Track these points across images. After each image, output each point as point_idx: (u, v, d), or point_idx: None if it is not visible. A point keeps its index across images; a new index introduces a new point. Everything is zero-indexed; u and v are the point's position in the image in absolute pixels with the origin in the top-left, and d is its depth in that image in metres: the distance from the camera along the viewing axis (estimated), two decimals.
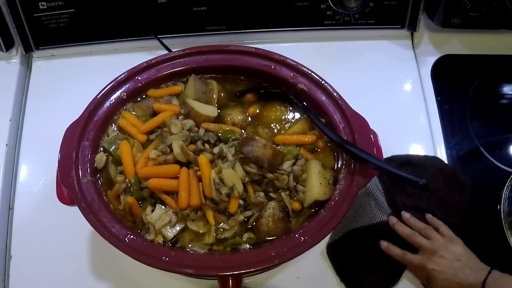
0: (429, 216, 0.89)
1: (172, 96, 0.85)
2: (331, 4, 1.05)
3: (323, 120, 0.82)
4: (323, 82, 0.83)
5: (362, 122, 0.80)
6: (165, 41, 1.05)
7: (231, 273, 0.69)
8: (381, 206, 0.92)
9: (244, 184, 0.73)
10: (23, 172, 0.98)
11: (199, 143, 0.77)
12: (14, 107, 1.03)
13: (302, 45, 1.12)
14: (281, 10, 1.06)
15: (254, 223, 0.75)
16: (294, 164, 0.77)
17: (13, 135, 1.01)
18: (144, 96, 0.86)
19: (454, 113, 1.06)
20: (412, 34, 1.14)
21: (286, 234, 0.74)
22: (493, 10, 1.03)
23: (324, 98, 0.83)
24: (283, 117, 0.86)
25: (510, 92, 1.13)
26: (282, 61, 0.86)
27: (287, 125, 0.85)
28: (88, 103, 0.81)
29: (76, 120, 0.79)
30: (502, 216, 0.90)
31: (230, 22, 1.07)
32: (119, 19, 1.03)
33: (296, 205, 0.76)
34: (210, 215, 0.74)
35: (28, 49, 1.07)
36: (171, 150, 0.76)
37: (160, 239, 0.73)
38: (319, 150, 0.83)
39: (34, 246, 0.91)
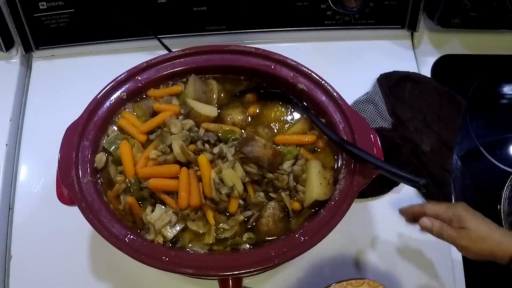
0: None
1: (172, 96, 0.85)
2: (331, 4, 1.05)
3: (323, 120, 0.82)
4: (323, 82, 0.83)
5: (362, 122, 0.80)
6: (165, 41, 1.05)
7: (231, 273, 0.69)
8: (381, 113, 0.96)
9: (244, 184, 0.73)
10: (23, 172, 0.97)
11: (199, 143, 0.77)
12: (14, 107, 1.03)
13: (302, 45, 1.12)
14: (281, 10, 1.06)
15: (254, 223, 0.75)
16: (294, 164, 0.77)
17: (13, 135, 1.01)
18: (144, 96, 0.86)
19: None
20: (412, 34, 1.14)
21: (286, 234, 0.74)
22: (493, 10, 1.03)
23: (324, 98, 0.83)
24: (283, 117, 0.86)
25: (510, 92, 1.13)
26: (282, 61, 0.86)
27: (287, 125, 0.85)
28: (88, 103, 0.81)
29: (76, 120, 0.79)
30: (502, 216, 0.90)
31: (230, 22, 1.07)
32: (119, 19, 1.03)
33: (296, 205, 0.76)
34: (210, 215, 0.74)
35: (28, 49, 1.07)
36: (171, 150, 0.76)
37: (160, 239, 0.73)
38: (319, 150, 0.83)
39: (34, 246, 0.91)
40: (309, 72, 0.84)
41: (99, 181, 0.78)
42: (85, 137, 0.78)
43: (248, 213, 0.75)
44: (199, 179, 0.74)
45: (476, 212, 0.77)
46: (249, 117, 0.85)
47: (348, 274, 0.88)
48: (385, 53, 1.12)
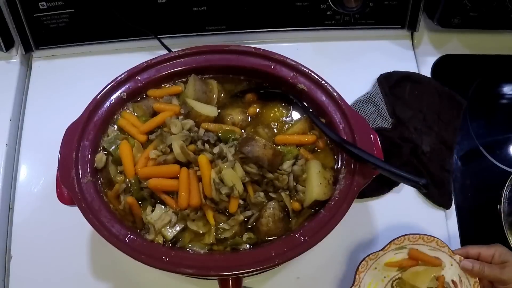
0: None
1: (172, 96, 0.85)
2: (331, 4, 1.05)
3: (323, 120, 0.82)
4: (323, 82, 0.83)
5: (362, 122, 0.80)
6: (165, 41, 1.05)
7: (231, 273, 0.69)
8: (381, 113, 0.96)
9: (244, 184, 0.73)
10: (23, 172, 0.98)
11: (199, 143, 0.77)
12: (14, 107, 1.03)
13: (302, 45, 1.12)
14: (281, 10, 1.06)
15: (254, 223, 0.75)
16: (294, 164, 0.77)
17: (13, 135, 1.01)
18: (144, 96, 0.86)
19: None
20: (412, 34, 1.14)
21: (286, 234, 0.74)
22: (493, 10, 1.03)
23: (324, 98, 0.83)
24: (283, 117, 0.86)
25: (510, 92, 1.13)
26: (282, 61, 0.86)
27: (287, 125, 0.85)
28: (88, 103, 0.81)
29: (76, 120, 0.79)
30: (502, 216, 0.90)
31: (230, 22, 1.07)
32: (119, 19, 1.03)
33: (296, 205, 0.76)
34: (210, 215, 0.74)
35: (28, 49, 1.07)
36: (171, 150, 0.76)
37: (160, 239, 0.73)
38: (319, 150, 0.83)
39: (34, 246, 0.91)
40: (309, 72, 0.84)
41: (99, 181, 0.77)
42: (85, 137, 0.78)
43: (248, 213, 0.75)
44: (199, 179, 0.74)
45: None
46: (249, 117, 0.85)
47: (348, 274, 0.89)
48: (385, 53, 1.12)
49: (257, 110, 0.86)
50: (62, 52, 1.10)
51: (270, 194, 0.76)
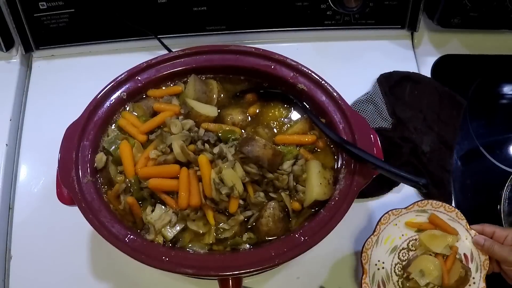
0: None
1: (172, 96, 0.85)
2: (331, 4, 1.05)
3: (323, 120, 0.82)
4: (323, 82, 0.83)
5: (362, 122, 0.80)
6: (165, 41, 1.05)
7: (231, 273, 0.69)
8: (381, 113, 0.97)
9: (244, 184, 0.73)
10: (23, 172, 0.98)
11: (199, 143, 0.77)
12: (14, 107, 1.03)
13: (302, 45, 1.12)
14: (281, 10, 1.06)
15: (254, 223, 0.75)
16: (294, 164, 0.77)
17: (13, 135, 1.01)
18: (144, 96, 0.86)
19: None
20: (412, 34, 1.14)
21: (286, 234, 0.74)
22: (493, 10, 1.03)
23: (324, 98, 0.83)
24: (283, 117, 0.86)
25: (510, 92, 1.13)
26: (282, 61, 0.86)
27: (287, 125, 0.85)
28: (88, 103, 0.81)
29: (76, 120, 0.79)
30: (502, 216, 0.90)
31: (230, 22, 1.07)
32: (119, 19, 1.03)
33: (296, 205, 0.76)
34: (210, 215, 0.74)
35: (28, 49, 1.07)
36: (171, 150, 0.76)
37: (160, 239, 0.73)
38: (319, 150, 0.83)
39: (34, 246, 0.91)
40: (309, 72, 0.84)
41: (99, 181, 0.78)
42: (85, 137, 0.78)
43: (248, 213, 0.75)
44: (199, 179, 0.74)
45: None
46: (249, 117, 0.85)
47: (348, 274, 0.88)
48: (385, 53, 1.12)
49: (257, 110, 0.86)
50: (62, 52, 1.10)
51: (270, 194, 0.76)
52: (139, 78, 0.85)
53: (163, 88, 0.87)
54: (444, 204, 0.86)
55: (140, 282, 0.88)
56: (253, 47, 0.87)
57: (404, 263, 0.85)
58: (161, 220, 0.73)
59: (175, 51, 0.87)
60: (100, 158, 0.78)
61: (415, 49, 1.13)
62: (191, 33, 1.08)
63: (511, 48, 1.14)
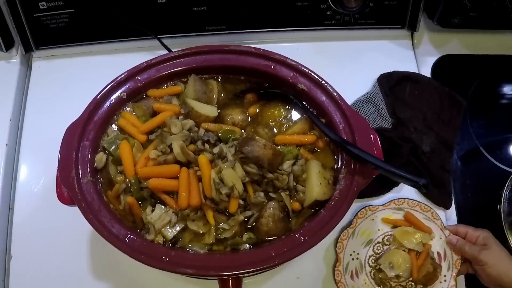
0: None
1: (172, 96, 0.85)
2: (331, 4, 1.05)
3: (323, 120, 0.82)
4: (323, 82, 0.83)
5: (362, 122, 0.80)
6: (165, 41, 1.05)
7: (231, 273, 0.69)
8: (381, 113, 0.97)
9: (244, 184, 0.73)
10: (23, 172, 0.98)
11: (199, 143, 0.77)
12: (14, 107, 1.03)
13: (302, 45, 1.12)
14: (281, 10, 1.06)
15: (254, 223, 0.75)
16: (294, 164, 0.77)
17: (13, 135, 1.01)
18: (144, 96, 0.86)
19: None
20: (412, 34, 1.14)
21: (286, 234, 0.74)
22: (493, 10, 1.03)
23: (324, 98, 0.83)
24: (283, 117, 0.86)
25: (510, 92, 1.13)
26: (282, 61, 0.86)
27: (287, 125, 0.85)
28: (88, 103, 0.81)
29: (76, 120, 0.79)
30: (502, 216, 0.90)
31: (230, 22, 1.07)
32: (119, 19, 1.03)
33: (296, 205, 0.76)
34: (210, 215, 0.74)
35: (28, 49, 1.07)
36: (171, 150, 0.76)
37: (160, 239, 0.73)
38: (319, 150, 0.83)
39: (34, 246, 0.91)
40: (309, 72, 0.84)
41: (99, 181, 0.78)
42: (85, 137, 0.78)
43: (248, 213, 0.75)
44: (199, 179, 0.74)
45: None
46: (249, 117, 0.85)
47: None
48: (385, 53, 1.12)
49: (257, 110, 0.86)
50: (62, 52, 1.10)
51: (270, 194, 0.76)
52: (139, 78, 0.85)
53: (163, 88, 0.87)
54: (420, 203, 0.91)
55: (140, 282, 0.88)
56: (253, 47, 0.87)
57: (377, 256, 0.89)
58: (161, 220, 0.73)
59: (175, 51, 0.87)
60: (100, 158, 0.78)
61: (415, 49, 1.13)
62: (191, 33, 1.08)
63: (511, 48, 1.14)
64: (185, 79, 0.87)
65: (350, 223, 0.90)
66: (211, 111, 0.83)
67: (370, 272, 0.89)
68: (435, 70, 1.10)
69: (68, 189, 0.73)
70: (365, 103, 1.02)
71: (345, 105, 0.81)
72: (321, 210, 0.74)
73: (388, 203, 0.91)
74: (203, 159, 0.74)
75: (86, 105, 0.80)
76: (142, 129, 0.80)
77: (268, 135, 0.83)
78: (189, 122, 0.80)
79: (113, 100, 0.83)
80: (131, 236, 0.70)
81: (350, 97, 1.01)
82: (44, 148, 0.94)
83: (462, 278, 0.90)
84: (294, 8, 1.06)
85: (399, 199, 0.91)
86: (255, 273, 0.83)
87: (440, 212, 0.94)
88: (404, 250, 0.88)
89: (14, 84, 1.06)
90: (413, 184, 0.72)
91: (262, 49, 0.86)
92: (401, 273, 0.86)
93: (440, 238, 0.90)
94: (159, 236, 0.74)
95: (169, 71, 0.86)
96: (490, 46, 1.13)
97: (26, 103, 1.05)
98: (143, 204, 0.76)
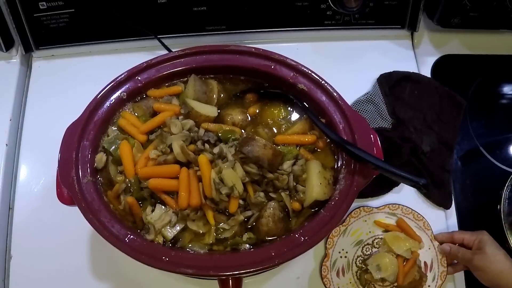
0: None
1: (172, 96, 0.85)
2: (331, 4, 1.05)
3: (323, 120, 0.82)
4: (323, 82, 0.83)
5: (362, 122, 0.80)
6: (165, 41, 1.05)
7: (231, 273, 0.69)
8: (381, 113, 0.97)
9: (244, 184, 0.73)
10: (23, 172, 0.98)
11: (199, 143, 0.77)
12: (14, 107, 1.03)
13: (302, 45, 1.12)
14: (281, 10, 1.06)
15: (254, 223, 0.75)
16: (294, 164, 0.77)
17: (13, 135, 1.01)
18: (144, 96, 0.86)
19: None
20: (412, 34, 1.14)
21: (286, 234, 0.74)
22: (493, 10, 1.03)
23: (324, 98, 0.83)
24: (283, 117, 0.86)
25: (510, 92, 1.13)
26: (282, 61, 0.86)
27: (287, 125, 0.85)
28: (88, 103, 0.81)
29: (76, 120, 0.79)
30: (502, 216, 0.90)
31: (230, 22, 1.07)
32: (119, 19, 1.03)
33: (296, 205, 0.76)
34: (210, 215, 0.74)
35: (28, 49, 1.07)
36: (171, 150, 0.76)
37: (160, 239, 0.73)
38: (319, 150, 0.83)
39: (34, 246, 0.91)
40: (309, 72, 0.84)
41: (99, 181, 0.78)
42: (85, 137, 0.78)
43: (248, 213, 0.75)
44: (199, 179, 0.74)
45: (496, 242, 0.84)
46: (249, 117, 0.85)
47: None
48: (385, 53, 1.12)
49: (257, 110, 0.86)
50: (62, 52, 1.10)
51: (270, 194, 0.76)
52: (139, 78, 0.85)
53: (163, 88, 0.87)
54: (414, 211, 0.92)
55: (140, 282, 0.88)
56: (253, 47, 0.87)
57: (365, 257, 0.90)
58: (161, 220, 0.73)
59: (175, 51, 0.87)
60: (100, 158, 0.78)
61: (415, 49, 1.13)
62: (191, 33, 1.08)
63: (511, 48, 1.14)
64: (185, 79, 0.87)
65: (343, 221, 0.91)
66: (211, 111, 0.83)
67: (357, 272, 0.89)
68: (435, 70, 1.10)
69: (68, 189, 0.73)
70: (365, 103, 1.01)
71: (345, 105, 0.81)
72: (321, 210, 0.74)
73: (383, 207, 0.92)
74: (203, 159, 0.74)
75: (86, 105, 0.80)
76: (142, 129, 0.80)
77: (268, 135, 0.83)
78: (189, 122, 0.80)
79: (113, 100, 0.83)
80: (131, 236, 0.70)
81: (350, 97, 1.01)
82: (44, 148, 0.94)
83: (462, 278, 0.90)
84: (294, 8, 1.06)
85: (393, 204, 0.92)
86: (255, 273, 0.83)
87: (440, 212, 0.94)
88: (392, 255, 0.88)
89: (14, 84, 1.05)
90: (413, 184, 0.72)
91: (262, 49, 0.86)
92: (387, 277, 0.86)
93: (429, 248, 0.90)
94: (159, 236, 0.74)
95: (169, 71, 0.86)
96: (490, 46, 1.13)
97: (26, 103, 1.05)
98: (143, 204, 0.76)
